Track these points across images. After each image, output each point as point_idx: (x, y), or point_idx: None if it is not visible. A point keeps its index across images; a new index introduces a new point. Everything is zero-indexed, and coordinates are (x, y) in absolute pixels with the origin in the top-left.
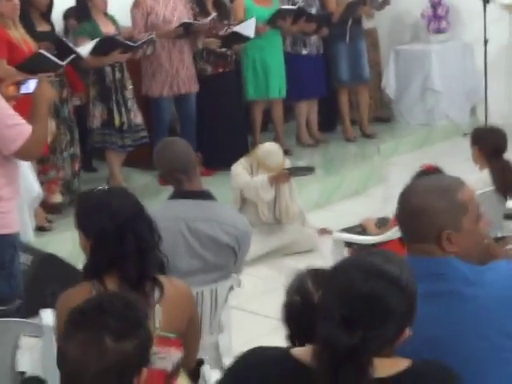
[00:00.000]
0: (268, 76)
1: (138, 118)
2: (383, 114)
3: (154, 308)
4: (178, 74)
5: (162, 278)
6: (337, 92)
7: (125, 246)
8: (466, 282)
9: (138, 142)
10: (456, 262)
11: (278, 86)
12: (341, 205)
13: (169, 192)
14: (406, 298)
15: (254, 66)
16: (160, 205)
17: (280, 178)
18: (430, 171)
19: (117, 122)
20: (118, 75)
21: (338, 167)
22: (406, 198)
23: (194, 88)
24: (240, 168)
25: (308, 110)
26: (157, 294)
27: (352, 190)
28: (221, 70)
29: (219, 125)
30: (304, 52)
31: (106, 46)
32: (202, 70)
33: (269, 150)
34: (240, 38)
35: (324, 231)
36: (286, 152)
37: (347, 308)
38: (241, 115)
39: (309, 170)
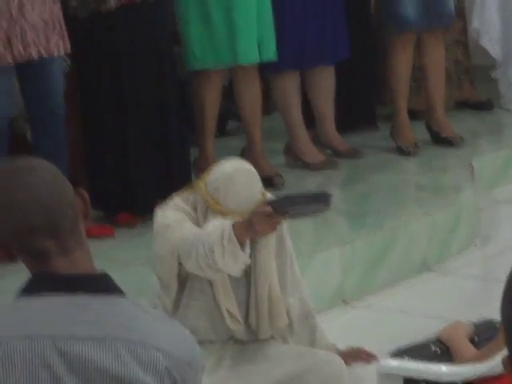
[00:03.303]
0: (234, 16)
1: None
2: (477, 95)
3: None
4: (24, 17)
5: None
6: (382, 48)
7: None
8: None
9: None
10: None
11: (255, 39)
12: (391, 294)
13: (19, 276)
14: None
15: None
16: None
17: (260, 222)
18: None
19: None
20: None
21: (381, 212)
22: None
23: (60, 46)
24: (172, 213)
25: (315, 90)
26: None
27: (415, 262)
28: None
29: (128, 126)
30: None
31: None
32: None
33: (229, 175)
34: None
35: (359, 355)
36: (270, 180)
37: None
38: (176, 103)
39: (318, 199)
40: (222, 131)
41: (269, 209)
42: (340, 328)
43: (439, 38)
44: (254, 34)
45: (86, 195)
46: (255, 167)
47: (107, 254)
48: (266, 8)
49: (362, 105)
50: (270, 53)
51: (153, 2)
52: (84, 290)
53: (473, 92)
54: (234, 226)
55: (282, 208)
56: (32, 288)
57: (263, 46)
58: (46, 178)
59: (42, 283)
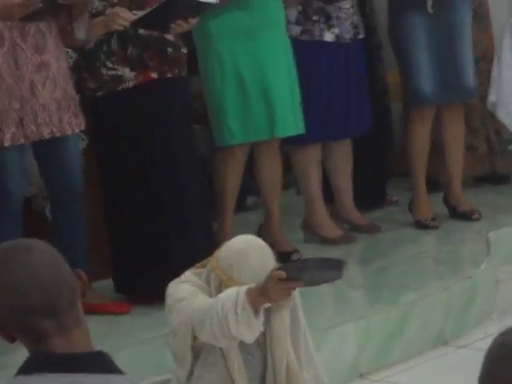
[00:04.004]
0: (269, 92)
1: None
2: (495, 169)
3: None
4: (35, 97)
5: None
6: (398, 122)
7: None
8: None
9: None
10: None
11: (290, 113)
12: (407, 369)
13: (19, 356)
14: None
15: (237, 73)
16: None
17: (274, 287)
18: None
19: None
20: None
21: (398, 286)
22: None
23: (74, 125)
24: (185, 286)
25: (333, 163)
26: None
27: (431, 336)
28: (154, 76)
29: (150, 205)
30: (328, 37)
31: None
32: (105, 80)
33: (242, 251)
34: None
35: None
36: (287, 256)
37: None
38: (201, 181)
39: (332, 265)
40: (240, 206)
41: (282, 273)
42: None
43: (458, 113)
44: (290, 106)
45: (84, 275)
46: (272, 242)
47: (124, 330)
48: (294, 81)
49: (372, 181)
50: (300, 125)
51: (171, 79)
52: (81, 369)
53: (492, 166)
54: (247, 293)
55: (295, 273)
56: (30, 368)
57: (295, 118)
58: (45, 258)
59: (40, 363)
